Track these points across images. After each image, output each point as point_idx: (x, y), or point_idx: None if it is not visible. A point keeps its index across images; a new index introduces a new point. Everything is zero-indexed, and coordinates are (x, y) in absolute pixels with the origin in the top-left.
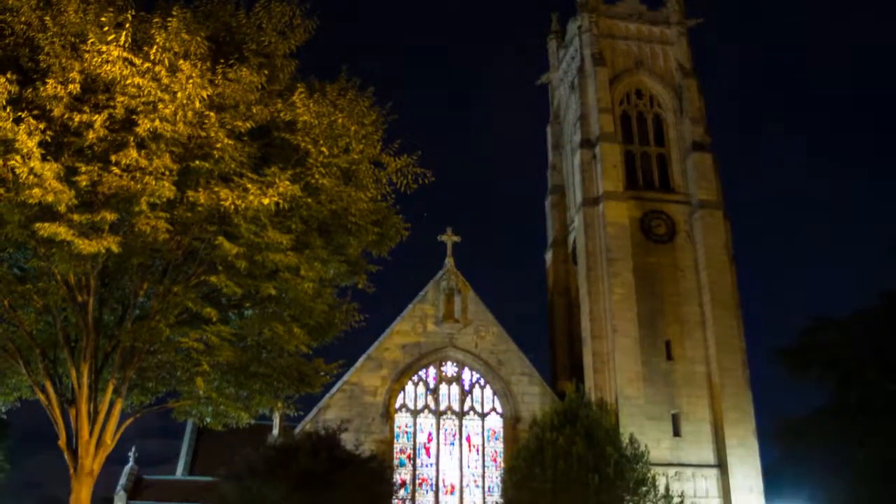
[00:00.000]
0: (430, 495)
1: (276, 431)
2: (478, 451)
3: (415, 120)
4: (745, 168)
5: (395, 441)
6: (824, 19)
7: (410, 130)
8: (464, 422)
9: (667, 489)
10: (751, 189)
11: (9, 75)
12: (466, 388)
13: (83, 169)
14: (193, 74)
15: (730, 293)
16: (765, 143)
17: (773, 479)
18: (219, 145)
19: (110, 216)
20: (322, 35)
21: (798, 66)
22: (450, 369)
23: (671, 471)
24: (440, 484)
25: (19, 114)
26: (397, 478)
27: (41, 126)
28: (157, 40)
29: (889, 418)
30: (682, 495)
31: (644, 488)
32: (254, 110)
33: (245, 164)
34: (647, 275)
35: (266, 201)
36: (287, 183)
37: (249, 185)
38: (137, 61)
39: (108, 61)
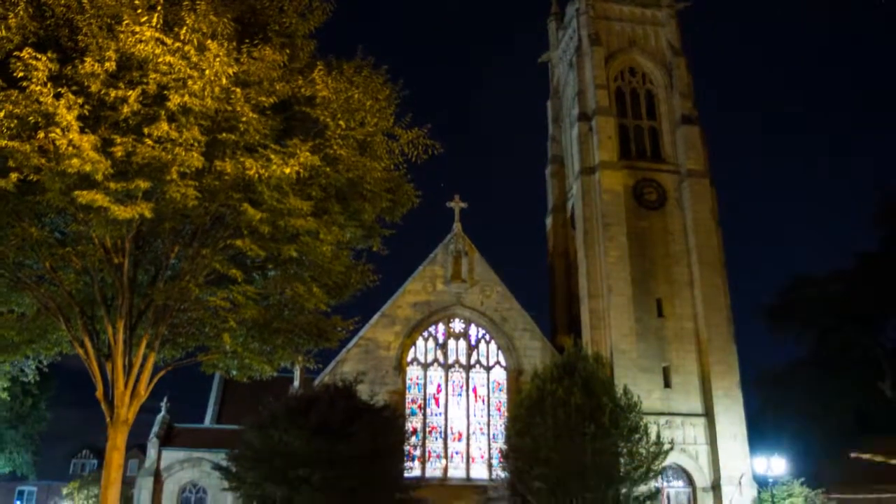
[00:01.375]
0: (440, 442)
1: (297, 383)
2: (483, 401)
3: (427, 97)
4: (732, 140)
5: (407, 392)
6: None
7: (422, 106)
8: (470, 374)
9: (658, 436)
10: (737, 159)
11: (50, 54)
12: (473, 342)
13: (118, 140)
14: (220, 53)
15: (716, 255)
16: (752, 118)
17: (756, 427)
18: (244, 119)
19: (144, 184)
20: (339, 17)
21: (785, 49)
22: (457, 325)
23: (662, 419)
24: (448, 431)
25: (59, 89)
26: (409, 426)
27: (79, 101)
28: (187, 21)
29: (864, 370)
30: (671, 442)
31: (637, 435)
32: (276, 86)
33: (268, 136)
34: (639, 238)
35: (288, 170)
36: (307, 154)
37: (272, 156)
38: (168, 41)
39: (141, 41)
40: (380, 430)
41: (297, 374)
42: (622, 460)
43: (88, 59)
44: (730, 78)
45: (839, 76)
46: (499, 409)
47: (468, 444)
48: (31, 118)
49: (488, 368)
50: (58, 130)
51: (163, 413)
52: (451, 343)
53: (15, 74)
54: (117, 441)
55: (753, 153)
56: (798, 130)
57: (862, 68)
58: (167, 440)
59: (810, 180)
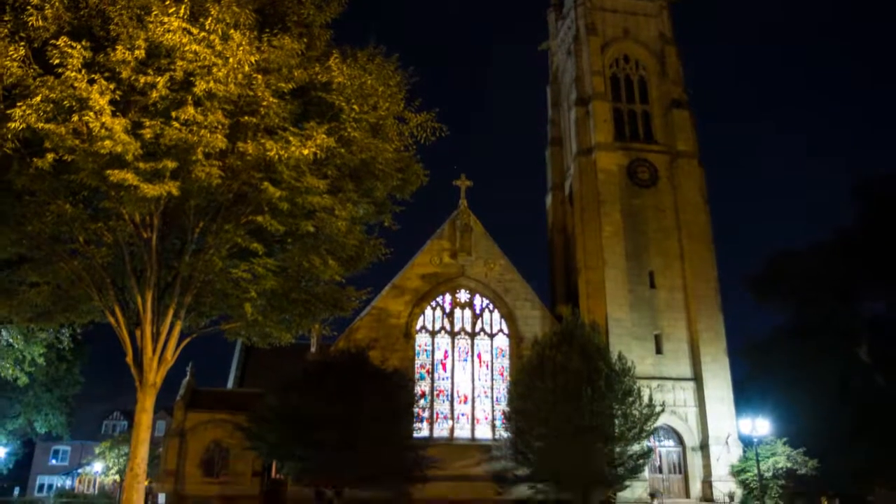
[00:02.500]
0: (446, 404)
1: (313, 349)
2: (487, 366)
3: (438, 82)
4: (721, 124)
5: (416, 357)
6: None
7: (431, 93)
8: (475, 341)
9: (650, 399)
10: (725, 141)
11: (84, 42)
12: (477, 311)
13: (147, 123)
14: (243, 42)
15: (704, 230)
16: (739, 103)
17: (742, 391)
18: (265, 103)
19: (171, 164)
20: (353, 8)
21: (767, 37)
22: (463, 296)
23: (654, 383)
24: (455, 394)
25: (93, 76)
26: (418, 389)
27: (111, 86)
28: (212, 12)
29: (842, 337)
30: (663, 404)
31: (631, 398)
32: (295, 73)
33: (287, 120)
34: (633, 215)
35: (305, 151)
36: (323, 136)
37: (291, 138)
38: (195, 31)
39: (169, 31)
40: (391, 393)
41: (313, 340)
42: (617, 421)
43: (120, 48)
44: (721, 66)
45: (824, 64)
46: (501, 374)
47: (473, 407)
48: (66, 102)
49: (492, 336)
50: (91, 114)
51: (188, 377)
52: (457, 312)
53: (51, 61)
54: (146, 403)
55: (746, 135)
56: (785, 115)
57: (848, 50)
58: (192, 402)
59: (793, 162)
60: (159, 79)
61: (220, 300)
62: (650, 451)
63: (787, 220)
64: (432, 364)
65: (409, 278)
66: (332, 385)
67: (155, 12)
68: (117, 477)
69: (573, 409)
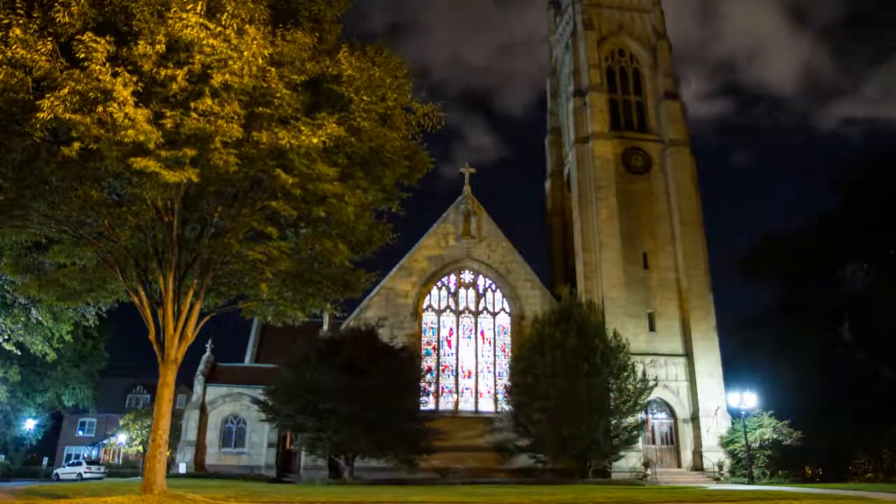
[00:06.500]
0: (451, 379)
1: (325, 327)
2: (490, 343)
3: (445, 74)
4: (711, 115)
5: (423, 335)
6: None
7: (440, 83)
8: (478, 319)
9: (643, 374)
10: (716, 132)
11: (107, 37)
12: (481, 291)
13: (168, 114)
14: (257, 37)
15: (695, 214)
16: (729, 93)
17: (731, 367)
18: (278, 94)
19: (190, 152)
20: (362, 4)
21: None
22: (467, 276)
23: (647, 359)
24: (459, 369)
25: (116, 69)
26: (424, 365)
27: (134, 79)
28: (228, 8)
29: (825, 316)
30: (656, 379)
31: (625, 373)
32: (307, 66)
33: (299, 110)
34: (627, 200)
35: (316, 140)
36: (334, 125)
37: (303, 128)
38: (211, 26)
39: (187, 26)
40: (399, 368)
41: (325, 319)
42: (612, 395)
43: (141, 42)
44: (712, 59)
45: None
46: (503, 350)
47: (476, 381)
48: (91, 94)
49: (494, 314)
50: (115, 105)
51: (208, 353)
52: (462, 292)
53: (77, 55)
54: (168, 378)
55: (737, 125)
56: (771, 106)
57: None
58: (211, 377)
59: (780, 151)
60: (179, 72)
61: (238, 281)
62: (644, 423)
63: (775, 203)
64: (438, 341)
65: (417, 260)
66: (343, 360)
67: (174, 9)
68: (140, 447)
69: (571, 383)
